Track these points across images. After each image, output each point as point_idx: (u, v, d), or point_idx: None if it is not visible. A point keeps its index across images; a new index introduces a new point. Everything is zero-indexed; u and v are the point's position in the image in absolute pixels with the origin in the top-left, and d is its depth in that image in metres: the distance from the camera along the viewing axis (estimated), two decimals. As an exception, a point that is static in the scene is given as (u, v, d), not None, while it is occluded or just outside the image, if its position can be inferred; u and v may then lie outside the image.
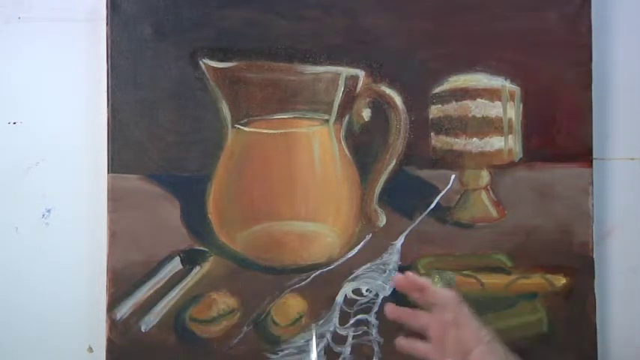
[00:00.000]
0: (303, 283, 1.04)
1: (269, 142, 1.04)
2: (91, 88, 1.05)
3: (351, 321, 1.04)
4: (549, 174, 1.06)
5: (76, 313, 1.06)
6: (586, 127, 1.06)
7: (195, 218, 1.03)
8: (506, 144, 1.06)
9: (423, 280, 0.78)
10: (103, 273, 1.02)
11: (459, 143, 1.06)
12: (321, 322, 1.04)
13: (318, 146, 1.05)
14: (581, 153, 1.06)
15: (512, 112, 1.06)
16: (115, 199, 1.02)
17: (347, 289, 1.04)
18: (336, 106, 1.05)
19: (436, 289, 0.77)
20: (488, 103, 1.06)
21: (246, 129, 1.04)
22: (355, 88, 1.05)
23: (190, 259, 1.03)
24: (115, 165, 1.02)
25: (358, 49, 1.04)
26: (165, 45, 1.03)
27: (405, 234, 1.05)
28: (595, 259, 1.06)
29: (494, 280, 1.05)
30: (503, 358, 0.71)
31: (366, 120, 1.05)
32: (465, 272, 1.05)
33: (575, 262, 1.06)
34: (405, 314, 0.80)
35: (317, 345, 1.00)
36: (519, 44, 1.05)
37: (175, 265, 1.03)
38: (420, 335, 0.80)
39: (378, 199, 1.05)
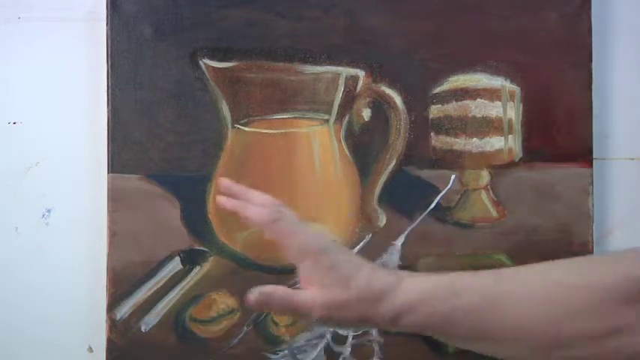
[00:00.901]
0: (303, 283, 1.04)
1: (269, 142, 1.04)
2: (91, 88, 1.05)
3: (351, 321, 1.04)
4: (549, 174, 1.06)
5: (76, 313, 1.06)
6: (586, 127, 1.06)
7: (195, 218, 1.03)
8: (506, 144, 1.06)
9: (239, 187, 0.71)
10: (103, 273, 1.02)
11: (459, 143, 1.06)
12: (321, 322, 1.03)
13: (318, 146, 1.05)
14: (581, 153, 1.06)
15: (512, 112, 1.06)
16: (115, 199, 1.02)
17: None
18: (336, 106, 1.05)
19: (252, 192, 0.70)
20: (488, 103, 1.06)
21: (246, 129, 1.04)
22: (355, 88, 1.05)
23: (190, 259, 1.03)
24: (115, 165, 1.02)
25: (358, 49, 1.04)
26: (166, 45, 1.03)
27: (405, 234, 1.05)
28: (595, 259, 1.06)
29: (494, 280, 1.05)
30: (341, 273, 0.64)
31: (366, 120, 1.05)
32: (465, 272, 1.05)
33: (575, 262, 1.06)
34: (238, 204, 0.71)
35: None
36: (519, 44, 1.05)
37: (175, 265, 1.03)
38: None
39: (378, 199, 1.05)
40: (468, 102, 1.06)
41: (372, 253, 1.04)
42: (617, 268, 0.64)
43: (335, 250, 0.66)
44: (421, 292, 0.64)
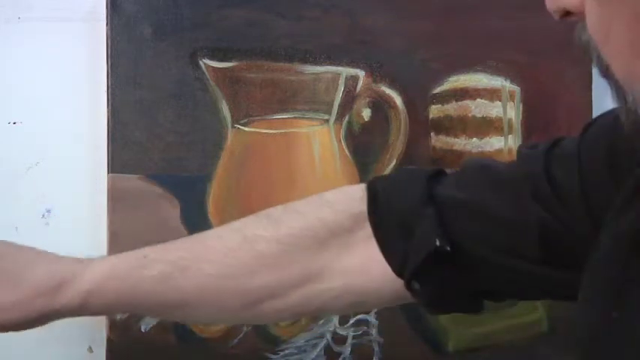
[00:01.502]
0: (303, 283, 1.04)
1: (269, 142, 1.04)
2: (91, 88, 1.05)
3: (351, 321, 1.04)
4: (549, 174, 1.06)
5: (76, 313, 1.06)
6: (586, 127, 1.06)
7: (195, 218, 1.03)
8: (506, 144, 1.06)
9: None
10: (103, 273, 1.02)
11: (459, 143, 1.06)
12: (321, 322, 1.03)
13: (318, 146, 1.05)
14: (581, 153, 1.06)
15: (512, 112, 1.06)
16: (115, 199, 1.02)
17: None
18: (336, 106, 1.05)
19: None
20: (488, 103, 1.06)
21: (246, 129, 1.04)
22: (355, 88, 1.05)
23: (190, 259, 1.03)
24: (115, 165, 1.02)
25: (358, 49, 1.04)
26: (165, 45, 1.03)
27: (405, 234, 1.04)
28: (595, 259, 1.06)
29: (494, 280, 1.05)
30: (10, 274, 0.61)
31: (366, 120, 1.05)
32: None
33: (575, 262, 1.05)
34: None
35: None
36: (519, 44, 1.05)
37: (175, 265, 1.03)
38: None
39: (378, 199, 1.05)
40: (467, 102, 1.06)
41: (372, 253, 1.04)
42: (309, 213, 0.64)
43: (6, 253, 0.63)
44: (108, 269, 0.62)
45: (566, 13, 0.41)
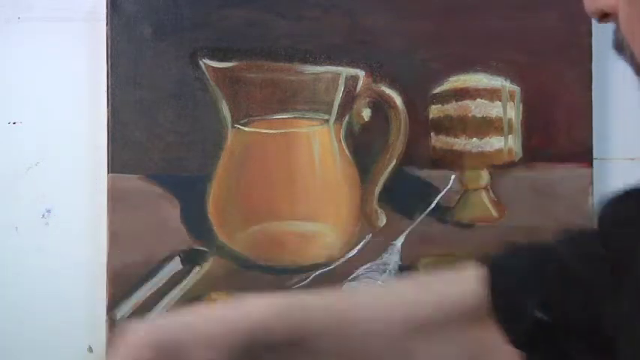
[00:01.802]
0: (303, 283, 1.04)
1: (269, 142, 1.04)
2: (91, 88, 1.05)
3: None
4: (549, 174, 1.06)
5: (76, 313, 1.06)
6: (586, 127, 1.06)
7: (195, 218, 1.03)
8: (506, 144, 1.06)
9: None
10: (103, 273, 1.02)
11: (459, 143, 1.06)
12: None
13: (318, 146, 1.05)
14: (581, 153, 1.06)
15: (512, 112, 1.06)
16: (115, 199, 1.02)
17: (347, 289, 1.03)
18: (336, 106, 1.05)
19: None
20: (488, 103, 1.06)
21: (246, 129, 1.04)
22: (355, 88, 1.05)
23: (190, 259, 1.03)
24: (115, 165, 1.02)
25: (358, 49, 1.04)
26: (165, 45, 1.03)
27: (405, 234, 1.05)
28: (595, 259, 1.06)
29: (494, 280, 1.05)
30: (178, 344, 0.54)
31: (366, 120, 1.05)
32: (464, 272, 1.05)
33: (575, 262, 1.06)
34: None
35: None
36: (519, 44, 1.05)
37: (175, 265, 1.03)
38: None
39: (378, 199, 1.05)
40: (467, 102, 1.06)
41: (372, 253, 1.04)
42: (459, 285, 0.62)
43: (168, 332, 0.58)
44: (275, 313, 0.57)
45: (604, 15, 0.41)
